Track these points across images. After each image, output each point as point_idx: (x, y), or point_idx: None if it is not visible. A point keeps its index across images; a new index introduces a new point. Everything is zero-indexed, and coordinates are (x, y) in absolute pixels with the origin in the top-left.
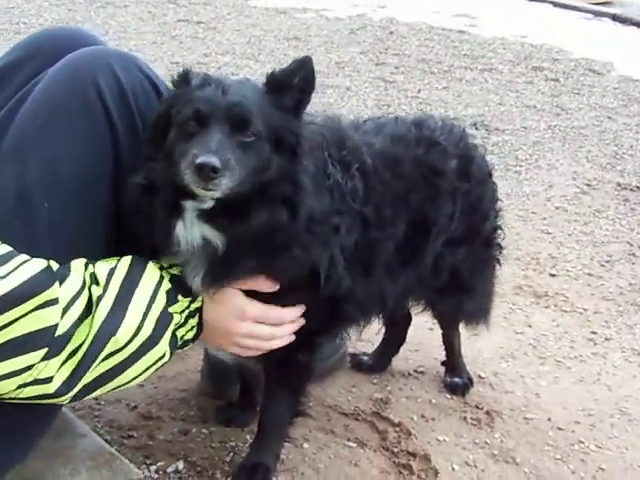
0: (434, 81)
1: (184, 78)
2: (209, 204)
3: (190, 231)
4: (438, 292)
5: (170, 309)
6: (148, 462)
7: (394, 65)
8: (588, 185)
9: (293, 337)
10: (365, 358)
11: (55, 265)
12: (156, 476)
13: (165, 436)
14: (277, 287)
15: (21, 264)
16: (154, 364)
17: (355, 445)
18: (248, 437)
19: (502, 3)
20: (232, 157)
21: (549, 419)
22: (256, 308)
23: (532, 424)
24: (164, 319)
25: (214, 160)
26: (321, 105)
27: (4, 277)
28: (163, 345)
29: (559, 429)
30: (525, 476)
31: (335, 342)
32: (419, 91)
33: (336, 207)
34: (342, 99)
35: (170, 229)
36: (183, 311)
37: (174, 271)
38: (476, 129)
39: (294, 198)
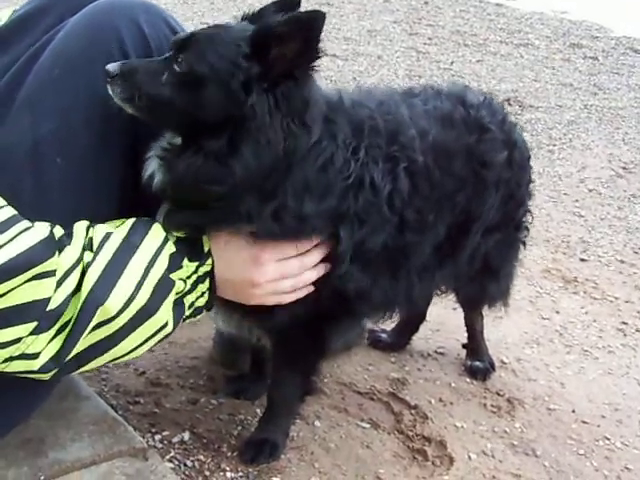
0: (468, 54)
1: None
2: (163, 143)
3: (153, 169)
4: (470, 279)
5: (172, 275)
6: (153, 430)
7: (427, 36)
8: (624, 168)
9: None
10: (384, 335)
11: (59, 231)
12: (160, 446)
13: (172, 405)
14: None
15: (20, 232)
16: (154, 335)
17: (368, 426)
18: (258, 411)
19: None
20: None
21: (573, 411)
22: (271, 249)
23: (555, 415)
24: (164, 286)
25: (113, 66)
26: (351, 73)
27: (2, 246)
28: (163, 314)
29: (583, 422)
30: (545, 470)
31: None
32: (452, 63)
33: (361, 206)
34: (373, 68)
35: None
36: (189, 277)
37: (179, 233)
38: (509, 105)
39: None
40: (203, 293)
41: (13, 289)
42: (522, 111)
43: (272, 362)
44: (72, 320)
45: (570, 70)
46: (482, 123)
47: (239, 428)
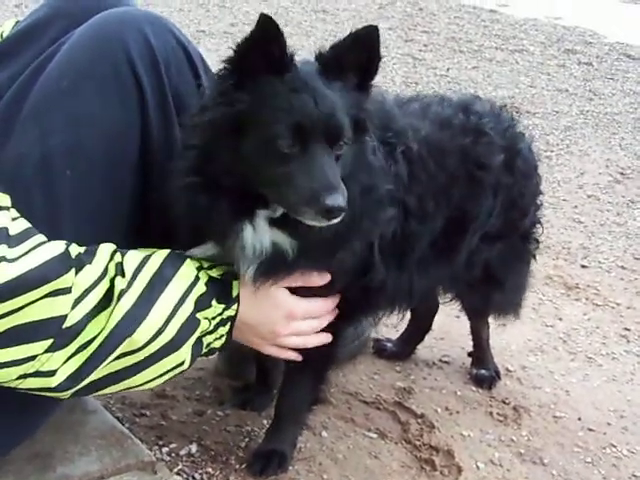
0: (463, 60)
1: (283, 66)
2: (281, 211)
3: (259, 237)
4: (469, 286)
5: (199, 314)
6: (160, 443)
7: (423, 42)
8: (622, 174)
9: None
10: (389, 344)
11: (75, 250)
12: (168, 458)
13: (179, 416)
14: (328, 279)
15: (36, 246)
16: (171, 370)
17: (376, 436)
18: (265, 422)
19: None
20: (342, 184)
21: (579, 419)
22: (303, 305)
23: (561, 423)
24: (190, 324)
25: (343, 202)
26: None
27: (16, 259)
28: (184, 351)
29: (590, 430)
30: (553, 478)
31: (358, 327)
32: (448, 70)
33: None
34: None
35: (235, 233)
36: (214, 317)
37: (214, 273)
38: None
39: (371, 187)
40: (222, 336)
41: (27, 305)
42: (519, 117)
43: (284, 367)
44: (96, 342)
45: (565, 76)
46: (480, 128)
47: (246, 440)
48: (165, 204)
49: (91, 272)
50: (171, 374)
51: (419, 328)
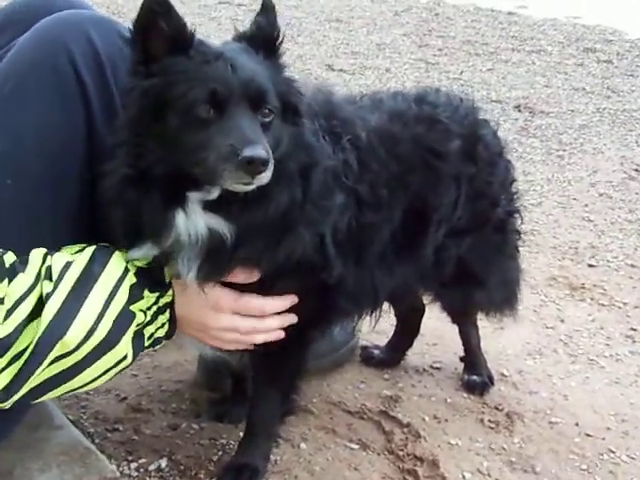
0: (479, 63)
1: (183, 44)
2: (215, 194)
3: (194, 222)
4: (443, 285)
5: (133, 307)
6: (130, 458)
7: (437, 47)
8: (636, 170)
9: (281, 333)
10: (376, 352)
11: (10, 258)
12: (136, 474)
13: (152, 430)
14: (256, 277)
15: None
16: (114, 367)
17: (357, 447)
18: (241, 434)
19: None
20: (265, 142)
21: (576, 424)
22: (232, 298)
23: (557, 429)
24: (124, 318)
25: (263, 153)
26: (358, 87)
27: None
28: (123, 346)
29: (587, 436)
30: None
31: (345, 333)
32: (461, 73)
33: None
34: (380, 81)
35: (167, 221)
36: (149, 308)
37: (140, 263)
38: (519, 111)
39: (311, 164)
40: (163, 324)
41: None
42: (532, 117)
43: (252, 379)
44: (28, 351)
45: (583, 74)
46: (433, 116)
47: (220, 453)
48: (103, 211)
49: (23, 281)
50: (115, 370)
51: (406, 333)
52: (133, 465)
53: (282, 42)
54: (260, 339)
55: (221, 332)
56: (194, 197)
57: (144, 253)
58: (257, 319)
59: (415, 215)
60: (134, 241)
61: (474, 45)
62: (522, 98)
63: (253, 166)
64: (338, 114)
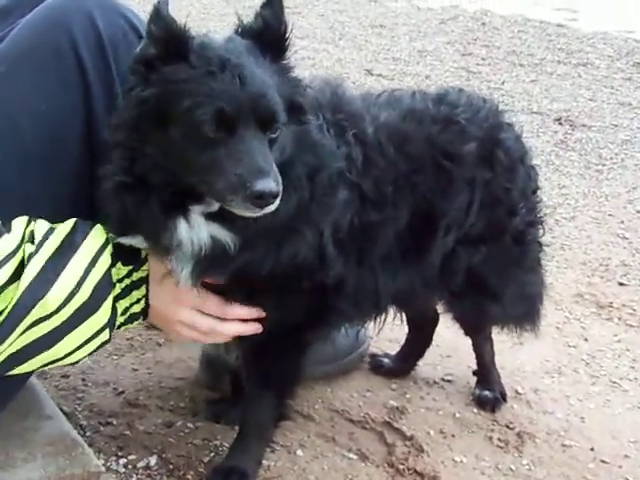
0: (522, 74)
1: (180, 49)
2: (217, 206)
3: (196, 232)
4: (454, 295)
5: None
6: (120, 454)
7: (481, 56)
8: None
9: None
10: (386, 360)
11: None
12: (123, 470)
13: (146, 427)
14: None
15: None
16: (92, 338)
17: (356, 457)
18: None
19: None
20: (275, 168)
21: (592, 449)
22: (192, 295)
23: (570, 453)
24: (104, 285)
25: (274, 186)
26: None
27: None
28: (103, 314)
29: (603, 462)
30: None
31: (349, 339)
32: (503, 83)
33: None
34: (419, 87)
35: (168, 230)
36: (121, 280)
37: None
38: (559, 124)
39: (318, 167)
40: (139, 300)
41: None
42: (573, 130)
43: (246, 380)
44: (6, 312)
45: (630, 89)
46: (450, 117)
47: (211, 454)
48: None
49: (8, 241)
50: (93, 344)
51: (418, 343)
52: (122, 461)
53: (289, 39)
54: (216, 340)
55: (180, 326)
56: (196, 209)
57: (136, 242)
58: (217, 320)
59: (422, 217)
60: (128, 231)
61: (519, 56)
62: (564, 111)
63: (262, 200)
64: (344, 108)
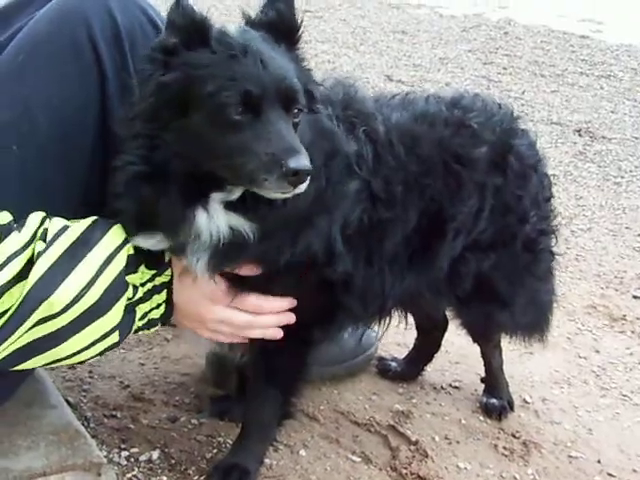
0: (543, 84)
1: (201, 36)
2: (238, 194)
3: (216, 222)
4: (462, 301)
5: (128, 278)
6: (122, 447)
7: (502, 65)
8: None
9: (279, 332)
10: (393, 364)
11: (6, 217)
12: (125, 463)
13: (150, 421)
14: (258, 271)
15: None
16: (100, 340)
17: (359, 460)
18: None
19: (636, 9)
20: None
21: (599, 461)
22: (228, 292)
23: (576, 464)
24: (117, 287)
25: (308, 163)
26: None
27: None
28: (112, 317)
29: (609, 475)
30: None
31: (354, 340)
32: (523, 92)
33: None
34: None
35: (187, 220)
36: (144, 284)
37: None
38: (579, 135)
39: (333, 151)
40: (159, 305)
41: None
42: (592, 142)
43: (251, 377)
44: (11, 311)
45: None
46: (462, 120)
47: (214, 451)
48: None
49: (17, 240)
50: (102, 345)
51: (426, 347)
52: (124, 454)
53: (302, 30)
54: (256, 334)
55: (216, 324)
56: (216, 197)
57: (153, 244)
58: (254, 315)
59: (431, 220)
60: (144, 230)
61: (540, 66)
62: (584, 122)
63: (298, 177)
64: (355, 106)
